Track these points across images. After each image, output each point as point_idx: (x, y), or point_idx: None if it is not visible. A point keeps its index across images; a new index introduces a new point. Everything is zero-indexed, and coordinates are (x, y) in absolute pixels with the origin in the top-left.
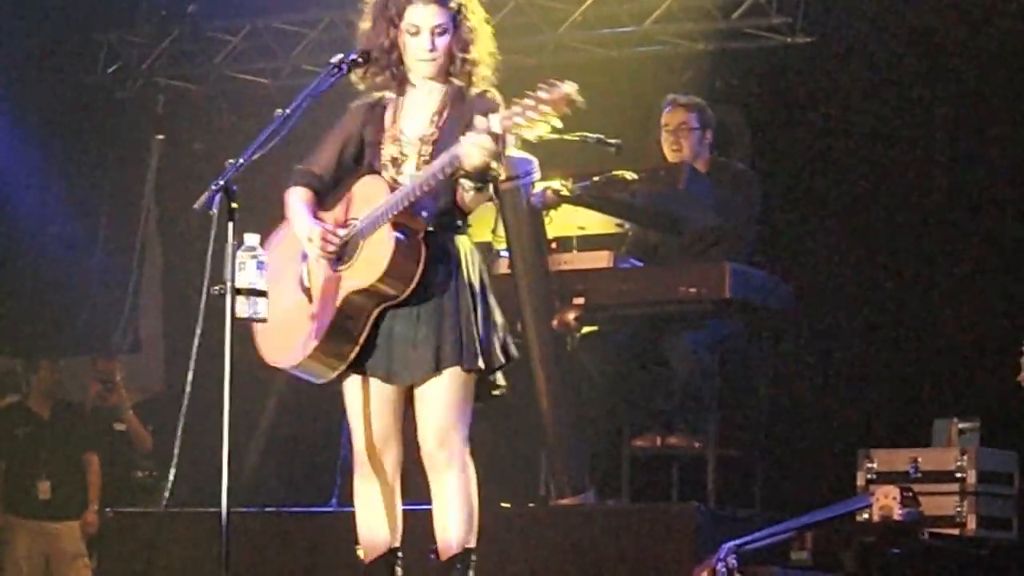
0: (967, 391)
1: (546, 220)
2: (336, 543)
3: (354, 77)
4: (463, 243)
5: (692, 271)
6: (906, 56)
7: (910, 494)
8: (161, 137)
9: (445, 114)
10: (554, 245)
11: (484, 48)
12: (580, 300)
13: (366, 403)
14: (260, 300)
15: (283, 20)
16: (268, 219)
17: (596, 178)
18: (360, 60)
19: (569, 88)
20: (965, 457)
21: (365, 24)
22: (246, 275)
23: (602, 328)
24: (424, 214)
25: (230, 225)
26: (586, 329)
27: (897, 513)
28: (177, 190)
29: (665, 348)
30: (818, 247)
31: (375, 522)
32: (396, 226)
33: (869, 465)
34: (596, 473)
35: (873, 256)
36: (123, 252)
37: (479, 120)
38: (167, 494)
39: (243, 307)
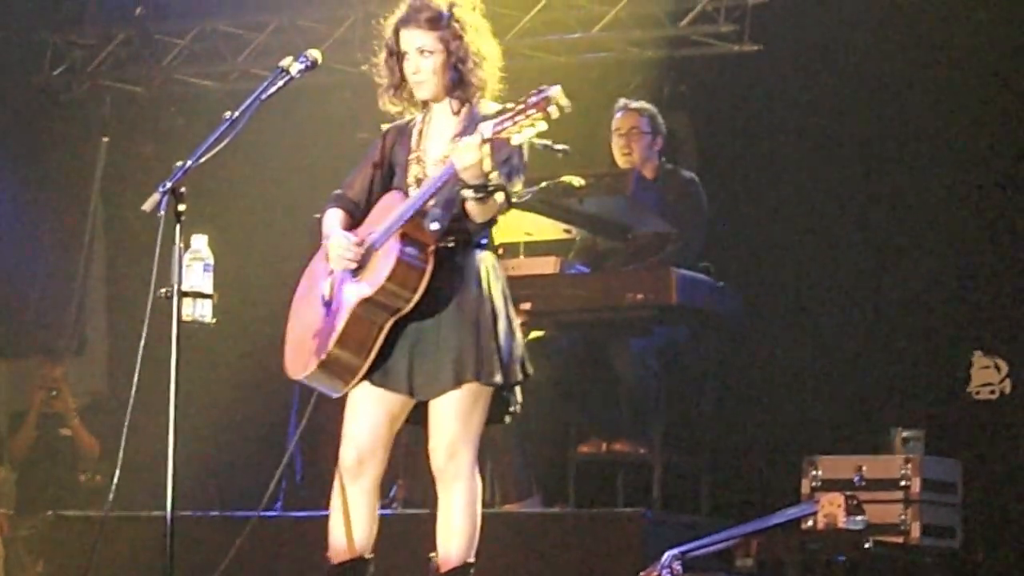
0: (913, 399)
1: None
2: (281, 547)
3: (391, 106)
4: (485, 258)
5: (639, 277)
6: (852, 64)
7: (855, 502)
8: (107, 140)
9: (463, 133)
10: (501, 251)
11: (485, 66)
12: (527, 306)
13: (365, 412)
14: (206, 302)
15: (231, 23)
16: (216, 221)
17: (544, 183)
18: (310, 67)
19: (552, 92)
20: (909, 465)
21: (380, 57)
22: (192, 277)
23: (548, 334)
24: (435, 226)
25: (177, 228)
26: (532, 335)
27: (842, 520)
28: (123, 193)
29: (611, 354)
30: (765, 254)
31: (350, 526)
32: (402, 237)
33: (814, 472)
34: (542, 479)
35: (820, 263)
36: (69, 254)
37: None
38: (110, 497)
39: (189, 310)
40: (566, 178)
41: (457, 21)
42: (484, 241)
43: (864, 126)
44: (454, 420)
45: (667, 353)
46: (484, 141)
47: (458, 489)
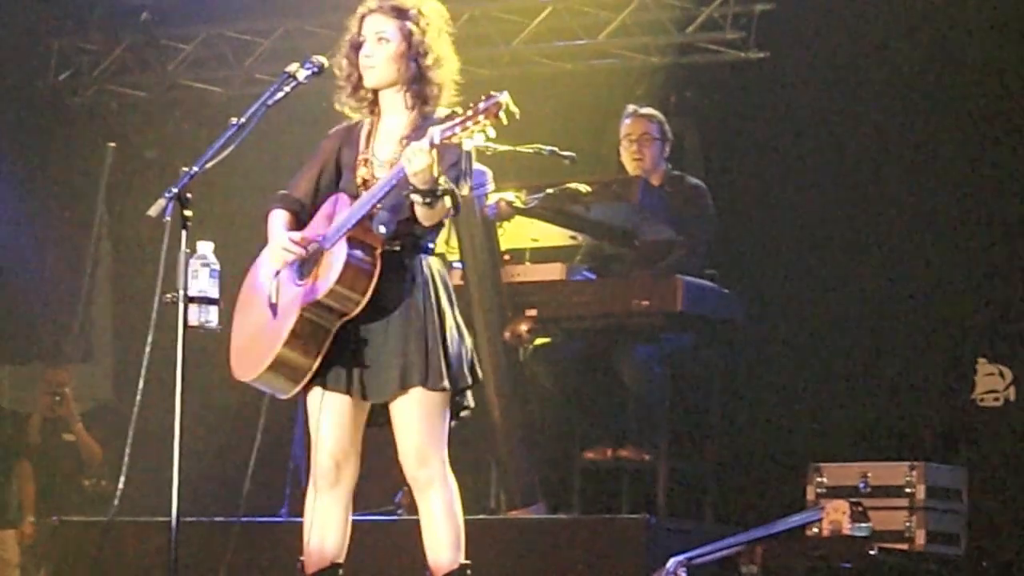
0: (918, 406)
1: (499, 232)
2: (286, 553)
3: (347, 108)
4: (432, 263)
5: (645, 284)
6: (858, 72)
7: (860, 509)
8: (113, 145)
9: (412, 137)
10: (507, 257)
11: (443, 68)
12: (533, 312)
13: (329, 416)
14: (212, 308)
15: (237, 29)
16: (221, 227)
17: (550, 190)
18: (316, 72)
19: (502, 98)
20: (914, 472)
21: (339, 58)
22: (199, 283)
23: (554, 340)
24: (382, 229)
25: (183, 233)
26: (538, 341)
27: (847, 527)
28: (129, 198)
29: (617, 361)
30: (770, 261)
31: (324, 535)
32: (351, 241)
33: (819, 479)
34: (547, 485)
35: (825, 269)
36: (75, 259)
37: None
38: (116, 503)
39: (195, 315)
40: (572, 185)
41: (423, 17)
42: (431, 245)
43: (870, 133)
44: (418, 427)
45: (672, 360)
46: (434, 146)
47: (435, 495)
